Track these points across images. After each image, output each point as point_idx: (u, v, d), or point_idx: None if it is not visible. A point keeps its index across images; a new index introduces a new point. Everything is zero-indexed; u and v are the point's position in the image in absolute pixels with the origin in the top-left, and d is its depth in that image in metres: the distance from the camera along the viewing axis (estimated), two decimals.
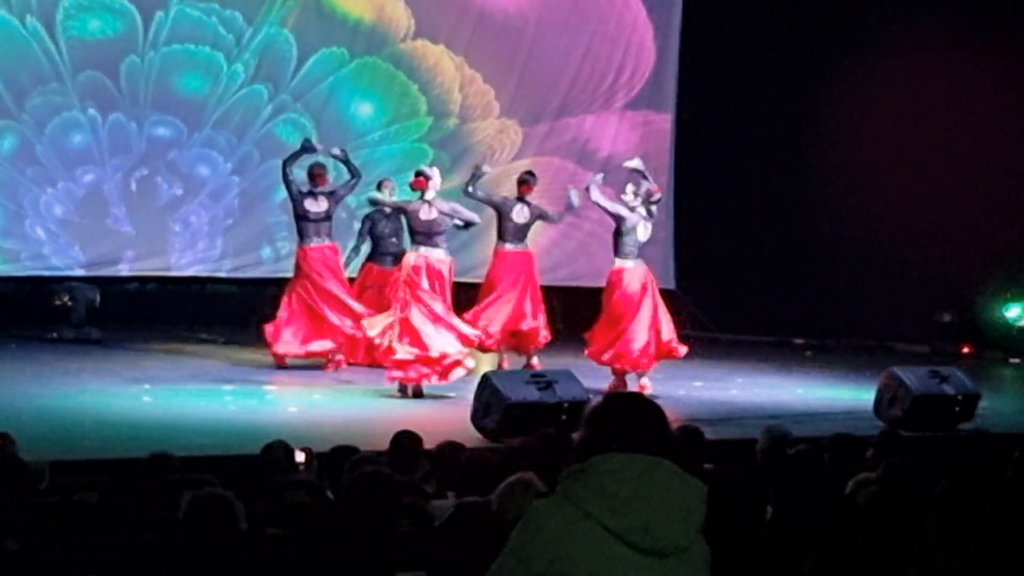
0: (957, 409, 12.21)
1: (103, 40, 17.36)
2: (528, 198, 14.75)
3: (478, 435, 10.71)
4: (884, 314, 18.49)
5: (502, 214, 14.79)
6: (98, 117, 17.45)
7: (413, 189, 13.13)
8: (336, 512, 6.31)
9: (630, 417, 4.02)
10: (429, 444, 8.46)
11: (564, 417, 10.78)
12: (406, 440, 8.25)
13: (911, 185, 18.47)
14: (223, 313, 17.89)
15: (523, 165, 19.32)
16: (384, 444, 8.23)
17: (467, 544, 5.66)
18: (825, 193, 18.94)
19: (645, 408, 4.07)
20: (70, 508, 6.79)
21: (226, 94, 18.03)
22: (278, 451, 8.01)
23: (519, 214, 14.71)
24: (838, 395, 13.98)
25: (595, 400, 4.14)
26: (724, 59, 19.10)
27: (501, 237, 14.86)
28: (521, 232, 14.78)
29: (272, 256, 18.25)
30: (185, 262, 17.99)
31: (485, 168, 14.87)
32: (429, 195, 13.03)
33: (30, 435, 9.18)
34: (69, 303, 16.39)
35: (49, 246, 17.15)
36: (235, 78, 18.05)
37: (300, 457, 8.29)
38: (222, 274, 18.31)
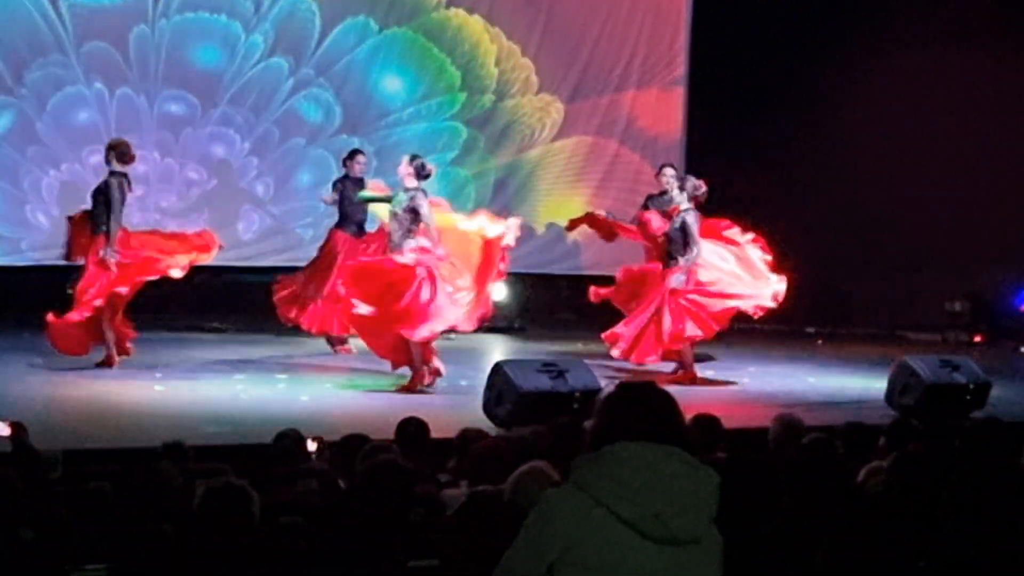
0: (968, 398, 12.21)
1: (110, 7, 16.26)
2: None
3: (490, 424, 10.70)
4: (896, 303, 18.48)
5: None
6: (105, 92, 16.38)
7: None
8: (349, 501, 6.32)
9: (642, 406, 4.04)
10: (441, 433, 8.46)
11: (576, 406, 10.78)
12: (412, 427, 8.26)
13: (923, 173, 18.46)
14: (237, 302, 17.21)
15: (565, 145, 18.84)
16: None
17: (480, 533, 5.67)
18: (836, 182, 18.91)
19: (657, 397, 4.09)
20: (84, 497, 6.82)
21: (243, 67, 17.00)
22: (290, 440, 8.02)
23: None
24: (850, 384, 13.97)
25: (607, 388, 4.14)
26: (736, 40, 19.00)
27: None
28: None
29: (294, 242, 17.24)
30: None
31: None
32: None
33: (43, 424, 9.21)
34: None
35: (52, 233, 15.83)
36: (253, 50, 17.00)
37: (312, 446, 8.31)
38: (239, 263, 17.18)
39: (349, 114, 17.68)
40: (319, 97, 17.51)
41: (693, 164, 19.02)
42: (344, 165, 15.01)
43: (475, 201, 18.29)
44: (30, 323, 14.93)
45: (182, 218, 16.81)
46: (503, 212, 18.09)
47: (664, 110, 19.39)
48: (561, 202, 18.77)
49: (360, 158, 14.96)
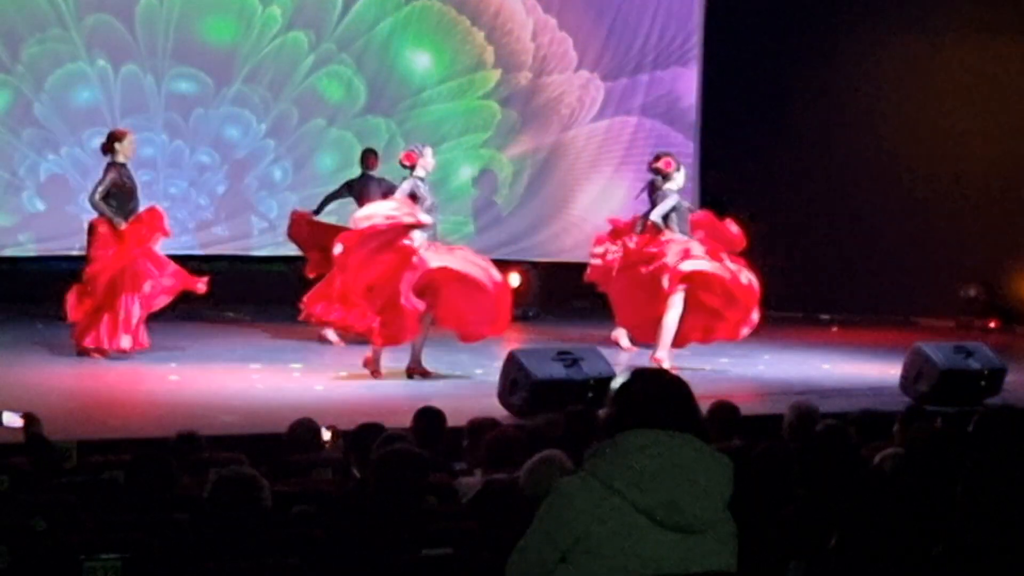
0: (983, 384, 12.18)
1: None
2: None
3: (504, 412, 10.71)
4: (910, 289, 18.44)
5: None
6: (109, 69, 15.55)
7: (405, 165, 12.42)
8: (363, 490, 6.33)
9: (656, 394, 4.04)
10: (457, 422, 8.46)
11: (590, 394, 10.79)
12: (430, 416, 8.27)
13: (937, 158, 18.42)
14: (252, 291, 16.84)
15: (604, 126, 18.16)
16: (410, 422, 8.24)
17: (494, 521, 5.68)
18: (850, 167, 18.87)
19: (671, 385, 4.09)
20: (97, 487, 6.83)
21: (260, 43, 16.14)
22: (304, 429, 8.04)
23: None
24: (864, 371, 13.95)
25: (622, 376, 4.14)
26: (751, 18, 18.90)
27: None
28: None
29: None
30: (211, 239, 16.50)
31: None
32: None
33: (57, 414, 9.25)
34: None
35: (50, 222, 15.37)
36: (270, 24, 16.13)
37: (326, 435, 8.32)
38: (255, 251, 16.72)
39: (373, 93, 16.89)
40: (341, 74, 16.71)
41: (708, 145, 18.99)
42: (362, 164, 14.49)
43: (509, 184, 17.95)
44: (42, 313, 14.97)
45: (192, 205, 16.49)
46: (522, 196, 18.05)
47: (681, 88, 18.79)
48: (579, 187, 18.39)
49: (372, 158, 14.47)
